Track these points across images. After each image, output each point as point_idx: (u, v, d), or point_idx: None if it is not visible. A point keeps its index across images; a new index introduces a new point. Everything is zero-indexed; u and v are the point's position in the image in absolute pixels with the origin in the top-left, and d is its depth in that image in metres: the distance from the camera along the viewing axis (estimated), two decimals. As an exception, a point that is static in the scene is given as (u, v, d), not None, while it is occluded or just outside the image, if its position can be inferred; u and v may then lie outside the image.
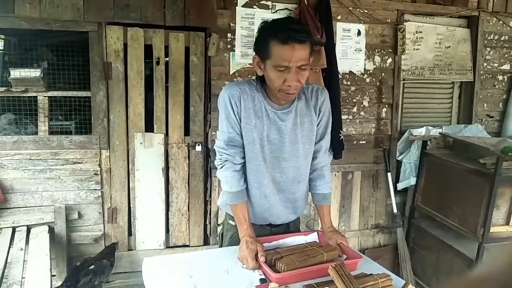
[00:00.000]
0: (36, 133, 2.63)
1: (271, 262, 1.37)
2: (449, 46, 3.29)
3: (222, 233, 1.75)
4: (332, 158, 2.92)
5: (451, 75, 3.33)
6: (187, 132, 2.84)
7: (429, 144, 3.11)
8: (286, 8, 2.81)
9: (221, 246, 1.75)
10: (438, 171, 2.94)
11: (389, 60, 3.12)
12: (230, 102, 1.45)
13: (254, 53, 1.44)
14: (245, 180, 1.53)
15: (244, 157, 1.50)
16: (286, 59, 1.30)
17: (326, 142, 1.59)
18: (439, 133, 3.14)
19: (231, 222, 1.64)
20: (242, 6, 2.74)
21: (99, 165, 2.67)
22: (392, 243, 3.28)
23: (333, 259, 1.43)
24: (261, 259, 1.35)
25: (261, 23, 1.42)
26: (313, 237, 1.62)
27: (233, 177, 1.48)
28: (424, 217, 3.13)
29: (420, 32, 3.20)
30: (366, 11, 2.99)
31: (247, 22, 2.77)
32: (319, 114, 1.53)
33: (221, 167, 1.51)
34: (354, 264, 1.44)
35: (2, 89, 2.47)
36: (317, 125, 1.54)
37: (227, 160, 1.49)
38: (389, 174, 3.16)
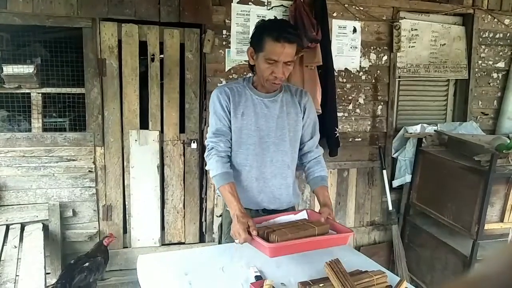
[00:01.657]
0: (29, 130, 2.60)
1: (263, 236, 1.38)
2: (444, 44, 3.30)
3: (221, 223, 1.82)
4: (327, 154, 2.93)
5: (446, 73, 3.34)
6: (182, 129, 2.82)
7: (424, 142, 3.12)
8: (282, 5, 2.80)
9: (220, 236, 1.82)
10: (433, 169, 2.95)
11: (385, 57, 3.12)
12: (219, 99, 1.65)
13: (249, 45, 1.65)
14: (235, 165, 1.67)
15: (230, 146, 1.66)
16: (276, 54, 1.52)
17: (317, 137, 1.79)
18: (434, 130, 3.15)
19: (228, 208, 1.70)
20: (238, 2, 2.73)
21: (94, 162, 2.66)
22: (387, 240, 3.30)
23: (324, 233, 1.45)
24: (253, 233, 1.40)
25: (260, 20, 1.66)
26: (302, 215, 1.63)
27: (217, 162, 1.61)
28: (419, 214, 3.14)
29: (416, 29, 3.21)
30: (361, 8, 2.99)
31: (243, 19, 2.76)
32: (304, 111, 1.72)
33: (208, 156, 1.66)
34: (345, 239, 1.47)
35: (-5, 85, 2.44)
36: (305, 123, 1.73)
37: (212, 148, 1.64)
38: (384, 171, 3.17)
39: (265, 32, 1.54)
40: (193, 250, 1.65)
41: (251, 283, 1.29)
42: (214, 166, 1.60)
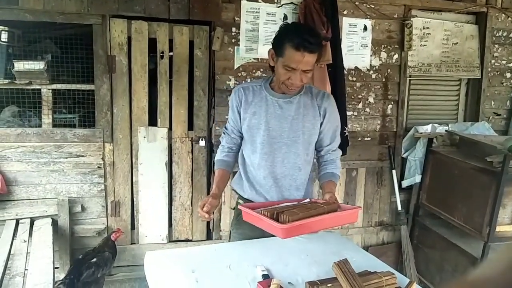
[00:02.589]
0: (40, 125, 2.62)
1: (273, 216, 1.35)
2: (457, 43, 3.24)
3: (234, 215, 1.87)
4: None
5: (458, 72, 3.29)
6: (190, 127, 2.82)
7: (435, 142, 3.08)
8: (292, 2, 2.78)
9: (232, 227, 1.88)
10: (443, 169, 2.91)
11: (396, 56, 3.08)
12: (232, 99, 1.73)
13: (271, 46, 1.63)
14: (247, 161, 1.75)
15: (235, 142, 1.78)
16: (295, 63, 1.50)
17: (337, 142, 1.77)
18: (445, 130, 3.10)
19: (240, 201, 1.80)
20: (247, 0, 2.71)
21: (103, 159, 2.67)
22: (396, 240, 3.26)
23: (333, 211, 1.43)
24: (204, 208, 1.51)
25: (284, 23, 1.66)
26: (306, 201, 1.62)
27: (218, 152, 1.81)
28: (428, 215, 3.10)
29: (428, 28, 3.16)
30: (372, 6, 2.96)
31: (252, 16, 2.74)
32: (324, 116, 1.68)
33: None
34: (355, 215, 1.46)
35: (6, 81, 2.46)
36: (324, 128, 1.69)
37: (220, 143, 1.83)
38: (393, 171, 3.13)
39: (286, 37, 1.51)
40: (200, 247, 1.65)
41: (258, 282, 1.28)
42: (217, 153, 1.82)
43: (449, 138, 3.08)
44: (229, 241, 1.85)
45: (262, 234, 1.62)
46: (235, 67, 2.75)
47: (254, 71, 2.79)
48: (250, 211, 1.44)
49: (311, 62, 1.51)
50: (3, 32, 2.41)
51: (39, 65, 2.44)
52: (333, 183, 1.68)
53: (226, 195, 2.85)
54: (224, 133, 1.82)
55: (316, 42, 1.52)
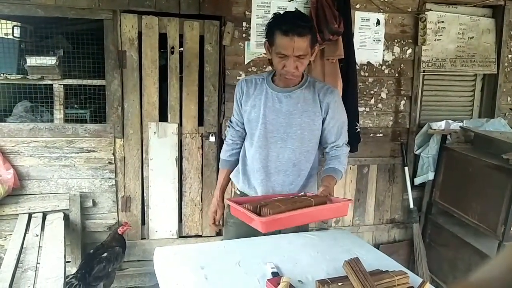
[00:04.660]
0: (51, 121, 2.64)
1: (256, 210, 1.33)
2: (473, 37, 3.17)
3: None
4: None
5: (474, 67, 3.21)
6: (201, 123, 2.82)
7: (448, 139, 3.02)
8: (304, -4, 2.74)
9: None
10: (457, 166, 2.85)
11: (409, 50, 3.02)
12: (236, 91, 1.75)
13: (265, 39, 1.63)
14: (246, 153, 1.76)
15: (239, 135, 1.80)
16: (285, 49, 1.48)
17: (343, 138, 1.72)
18: (460, 127, 3.04)
19: (237, 191, 1.87)
20: (258, -6, 2.68)
21: (113, 154, 2.68)
22: (407, 238, 3.22)
23: (321, 204, 1.40)
24: (216, 222, 1.74)
25: (273, 13, 1.60)
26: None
27: (223, 148, 1.85)
28: (441, 213, 3.05)
29: (442, 22, 3.09)
30: (386, 0, 2.90)
31: (263, 11, 2.71)
32: (327, 111, 1.64)
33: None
34: (344, 207, 1.43)
35: (19, 76, 2.49)
36: (328, 124, 1.65)
37: (225, 136, 1.87)
38: (406, 168, 3.08)
39: (275, 25, 1.50)
40: (210, 243, 1.64)
41: (267, 280, 1.27)
42: (222, 150, 1.87)
43: (463, 135, 3.01)
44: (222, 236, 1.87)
45: (253, 230, 1.61)
46: (246, 62, 2.73)
47: (264, 66, 2.76)
48: (235, 205, 1.42)
49: (303, 47, 1.48)
50: (15, 27, 2.43)
51: (51, 61, 2.45)
52: (331, 177, 1.63)
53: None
54: (229, 126, 1.83)
55: (305, 25, 1.48)
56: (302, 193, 1.59)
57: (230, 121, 1.83)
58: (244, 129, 1.76)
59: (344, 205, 1.44)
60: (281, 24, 1.48)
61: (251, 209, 1.32)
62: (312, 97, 1.63)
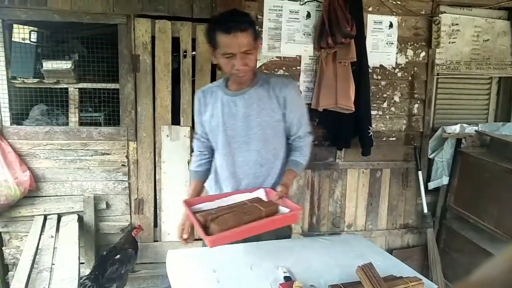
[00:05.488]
0: (67, 124, 2.69)
1: (205, 224, 1.34)
2: (488, 39, 3.12)
3: None
4: (359, 154, 2.85)
5: (489, 70, 3.16)
6: (213, 126, 2.82)
7: (463, 143, 2.98)
8: (315, 0, 2.74)
9: None
10: (473, 171, 2.80)
11: (423, 53, 2.99)
12: (195, 104, 1.75)
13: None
14: (208, 164, 1.79)
15: (205, 146, 1.78)
16: (230, 47, 1.46)
17: (304, 128, 1.70)
18: (475, 131, 2.99)
19: None
20: (270, -2, 2.69)
21: (127, 157, 2.71)
22: (421, 244, 3.17)
23: (272, 214, 1.41)
24: (184, 236, 1.55)
25: (210, 17, 1.62)
26: (258, 193, 1.59)
27: (192, 160, 1.84)
28: (456, 218, 3.00)
29: (457, 24, 3.05)
30: (399, 3, 2.88)
31: (275, 14, 2.72)
32: (284, 106, 1.61)
33: None
34: (293, 217, 1.44)
35: (35, 80, 2.53)
36: (287, 119, 1.64)
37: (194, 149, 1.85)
38: (419, 172, 3.04)
39: (215, 27, 1.49)
40: (222, 247, 1.64)
41: (280, 284, 1.26)
42: (191, 163, 1.87)
43: (479, 139, 2.97)
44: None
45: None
46: (257, 66, 2.73)
47: (276, 69, 2.77)
48: (189, 213, 1.43)
49: (247, 42, 1.46)
50: (32, 32, 2.47)
51: (66, 65, 2.49)
52: (291, 172, 1.63)
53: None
54: (195, 138, 1.82)
55: (243, 20, 1.48)
56: (262, 189, 1.59)
57: (196, 133, 1.82)
58: (209, 139, 1.76)
59: (293, 215, 1.44)
60: (221, 24, 1.47)
61: (201, 222, 1.34)
62: (267, 94, 1.60)
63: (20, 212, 2.54)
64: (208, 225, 1.33)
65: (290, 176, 1.62)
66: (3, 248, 2.61)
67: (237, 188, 1.68)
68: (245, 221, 1.33)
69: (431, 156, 3.13)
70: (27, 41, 2.47)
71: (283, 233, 1.72)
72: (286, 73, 2.78)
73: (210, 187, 1.82)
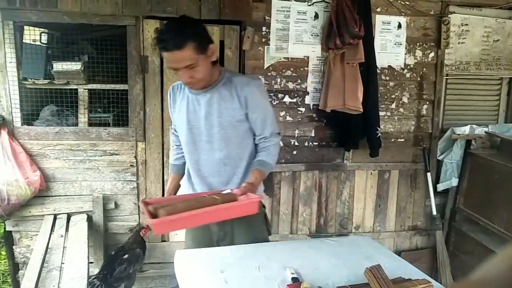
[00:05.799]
0: (76, 124, 2.71)
1: (155, 212, 1.32)
2: (498, 40, 3.09)
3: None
4: (367, 155, 2.84)
5: (500, 71, 3.13)
6: (220, 126, 2.83)
7: (473, 144, 2.95)
8: (323, 0, 2.74)
9: None
10: (483, 172, 2.78)
11: (432, 54, 2.97)
12: (168, 99, 1.77)
13: None
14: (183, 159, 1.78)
15: (178, 141, 1.79)
16: (170, 63, 1.50)
17: (269, 129, 1.66)
18: (485, 132, 2.96)
19: None
20: (278, -2, 2.69)
21: (135, 157, 2.73)
22: (430, 246, 3.14)
23: (228, 201, 1.40)
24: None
25: (155, 29, 1.67)
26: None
27: (172, 152, 1.88)
28: (466, 221, 2.97)
29: (466, 24, 3.02)
30: (407, 3, 2.86)
31: (283, 15, 2.72)
32: (246, 105, 1.58)
33: None
34: (249, 206, 1.40)
35: (46, 81, 2.56)
36: (250, 117, 1.61)
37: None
38: (428, 174, 3.02)
39: (156, 43, 1.49)
40: (229, 247, 1.65)
41: (287, 285, 1.26)
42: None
43: (489, 140, 2.94)
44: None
45: (210, 238, 1.71)
46: (265, 67, 2.74)
47: (284, 70, 2.77)
48: (142, 207, 1.41)
49: (186, 57, 1.45)
50: (43, 34, 2.50)
51: (76, 66, 2.52)
52: (258, 171, 1.59)
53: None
54: (171, 132, 1.88)
55: (181, 37, 1.43)
56: (229, 190, 1.57)
57: (171, 127, 1.86)
58: None
59: (250, 203, 1.39)
60: (159, 42, 1.46)
61: (151, 210, 1.32)
62: (229, 93, 1.58)
63: (30, 212, 2.57)
64: (157, 212, 1.31)
65: (257, 175, 1.58)
66: (14, 247, 2.64)
67: (203, 185, 1.69)
68: (195, 207, 1.31)
69: (440, 158, 3.10)
70: (38, 43, 2.51)
71: (259, 236, 1.71)
72: (294, 74, 2.78)
73: (183, 184, 1.82)
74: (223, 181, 1.66)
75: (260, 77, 2.73)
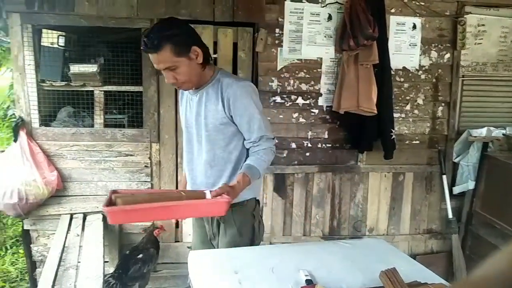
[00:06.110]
0: (92, 125, 2.76)
1: (113, 202, 1.31)
2: (516, 40, 3.03)
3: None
4: (382, 157, 2.81)
5: (518, 72, 3.07)
6: (233, 128, 2.84)
7: (490, 146, 2.90)
8: (337, 2, 2.73)
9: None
10: (500, 175, 2.72)
11: (447, 55, 2.93)
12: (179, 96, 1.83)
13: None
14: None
15: None
16: (154, 64, 1.51)
17: (257, 133, 1.58)
18: (503, 134, 2.91)
19: None
20: (291, 0, 2.70)
21: (150, 158, 2.76)
22: (446, 250, 3.09)
23: (194, 198, 1.38)
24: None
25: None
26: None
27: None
28: (482, 224, 2.92)
29: (483, 25, 2.98)
30: (422, 4, 2.83)
31: (296, 17, 2.72)
32: (228, 107, 1.54)
33: None
34: (215, 205, 1.34)
35: (63, 83, 2.62)
36: (235, 120, 1.57)
37: None
38: (444, 176, 2.97)
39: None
40: (243, 248, 1.65)
41: (301, 287, 1.26)
42: None
43: (506, 142, 2.88)
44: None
45: (206, 235, 1.76)
46: (278, 68, 2.74)
47: (297, 72, 2.77)
48: (108, 195, 1.37)
49: (164, 59, 1.46)
50: (60, 37, 2.56)
51: (92, 68, 2.57)
52: (242, 175, 1.51)
53: (267, 197, 2.85)
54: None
55: (153, 39, 1.43)
56: (209, 190, 1.52)
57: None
58: None
59: (216, 203, 1.34)
60: (142, 44, 1.47)
61: (111, 199, 1.30)
62: (215, 95, 1.56)
63: (47, 211, 2.62)
64: (115, 202, 1.29)
65: (240, 179, 1.51)
66: (31, 245, 2.70)
67: (193, 184, 1.72)
68: (156, 200, 1.29)
69: (456, 160, 3.06)
70: (55, 46, 2.56)
71: (241, 241, 1.67)
72: (307, 76, 2.78)
73: (187, 179, 1.84)
74: (210, 182, 1.64)
75: (273, 79, 2.74)
